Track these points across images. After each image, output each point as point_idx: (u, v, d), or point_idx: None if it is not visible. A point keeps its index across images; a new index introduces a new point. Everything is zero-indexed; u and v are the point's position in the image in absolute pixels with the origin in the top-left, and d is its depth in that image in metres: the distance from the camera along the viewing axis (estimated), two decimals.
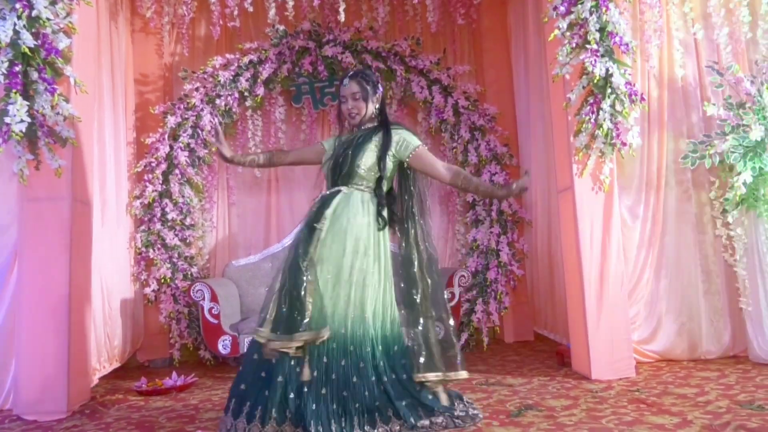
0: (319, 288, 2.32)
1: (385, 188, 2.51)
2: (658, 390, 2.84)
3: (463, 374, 2.49)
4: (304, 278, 2.30)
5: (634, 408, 2.54)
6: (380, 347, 2.35)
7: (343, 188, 2.47)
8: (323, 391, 2.23)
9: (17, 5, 2.73)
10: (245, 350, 2.58)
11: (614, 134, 3.12)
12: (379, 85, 2.58)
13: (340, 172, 2.48)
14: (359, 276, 2.36)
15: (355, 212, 2.41)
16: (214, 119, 4.31)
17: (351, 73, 2.56)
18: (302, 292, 2.28)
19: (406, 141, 2.49)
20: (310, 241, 2.37)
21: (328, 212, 2.40)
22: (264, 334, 2.29)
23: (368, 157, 2.46)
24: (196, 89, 4.35)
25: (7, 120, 2.70)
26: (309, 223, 2.43)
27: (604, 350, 3.16)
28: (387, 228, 2.49)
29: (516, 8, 4.70)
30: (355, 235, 2.38)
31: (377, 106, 2.55)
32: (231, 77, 4.35)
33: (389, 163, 2.49)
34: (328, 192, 2.51)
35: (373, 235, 2.43)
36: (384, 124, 2.54)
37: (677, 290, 3.52)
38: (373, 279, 2.39)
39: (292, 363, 2.25)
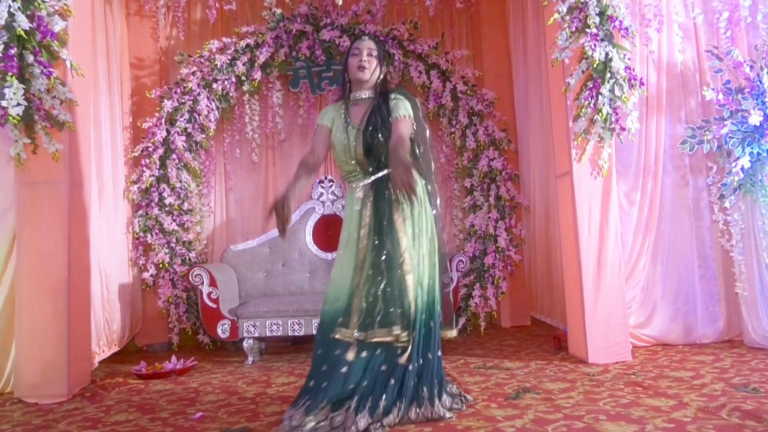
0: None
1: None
2: (654, 373, 2.87)
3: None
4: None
5: (630, 391, 2.57)
6: None
7: (387, 171, 2.37)
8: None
9: None
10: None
11: (613, 119, 3.12)
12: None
13: (378, 157, 2.39)
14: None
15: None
16: (211, 103, 4.28)
17: (364, 33, 2.52)
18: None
19: (396, 107, 2.41)
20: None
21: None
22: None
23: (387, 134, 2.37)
24: (193, 73, 4.32)
25: (4, 104, 2.69)
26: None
27: (601, 334, 3.19)
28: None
29: None
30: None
31: (381, 77, 2.49)
32: (228, 61, 4.32)
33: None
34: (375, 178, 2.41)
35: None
36: (383, 93, 2.46)
37: (673, 275, 3.54)
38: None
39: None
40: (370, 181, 2.42)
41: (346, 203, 2.53)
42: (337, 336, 2.27)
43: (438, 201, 2.59)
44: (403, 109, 2.41)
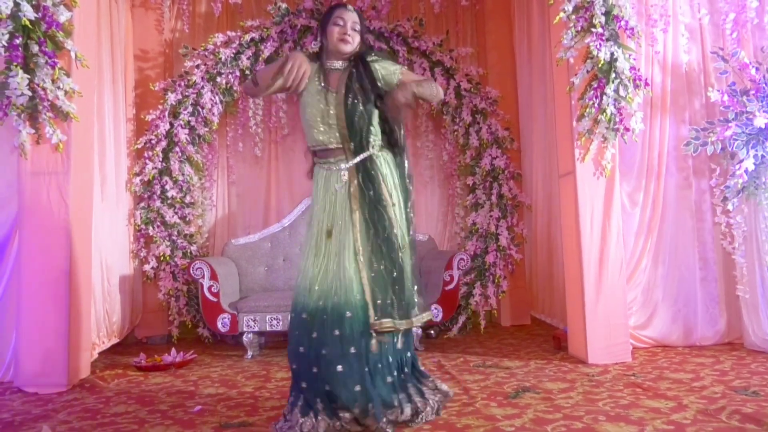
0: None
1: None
2: (654, 375, 2.87)
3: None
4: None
5: (630, 392, 2.57)
6: None
7: (373, 151, 2.29)
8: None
9: None
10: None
11: (617, 119, 3.11)
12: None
13: (362, 132, 2.25)
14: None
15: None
16: (215, 96, 4.28)
17: (349, 6, 2.40)
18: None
19: (387, 69, 2.31)
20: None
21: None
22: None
23: (371, 113, 2.26)
24: (197, 66, 4.31)
25: (8, 93, 2.69)
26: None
27: (601, 335, 3.18)
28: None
29: None
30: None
31: (359, 42, 2.37)
32: (232, 55, 4.31)
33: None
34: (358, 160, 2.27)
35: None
36: (361, 58, 2.32)
37: (674, 277, 3.54)
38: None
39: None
40: (353, 163, 2.26)
41: (321, 182, 2.31)
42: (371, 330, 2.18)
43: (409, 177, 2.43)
44: (390, 64, 2.35)
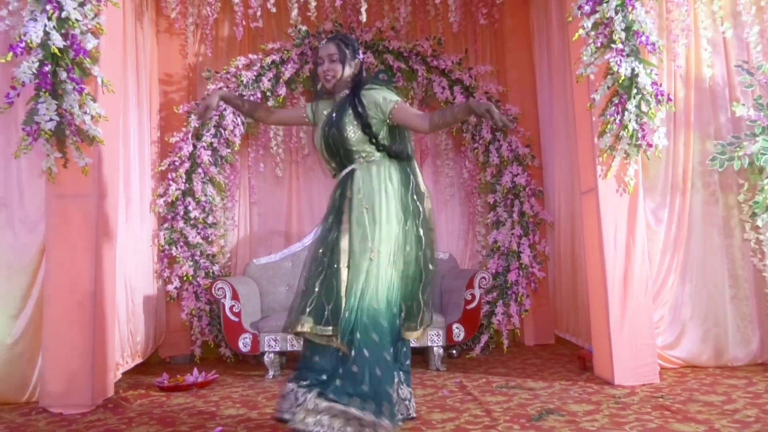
0: None
1: (388, 142, 2.47)
2: (683, 397, 2.78)
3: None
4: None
5: (658, 415, 2.49)
6: None
7: (355, 166, 2.43)
8: None
9: (48, 7, 2.79)
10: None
11: (640, 135, 3.07)
12: (359, 53, 2.51)
13: (340, 153, 2.44)
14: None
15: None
16: (237, 118, 4.35)
17: (330, 36, 2.53)
18: None
19: (385, 98, 2.40)
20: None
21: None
22: None
23: (352, 131, 2.40)
24: (219, 89, 4.38)
25: (37, 119, 2.76)
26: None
27: (628, 355, 3.11)
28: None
29: (539, 8, 4.66)
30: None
31: (354, 71, 2.47)
32: (253, 77, 4.38)
33: (376, 126, 2.42)
34: (342, 174, 2.46)
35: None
36: (354, 89, 2.45)
37: (703, 295, 3.45)
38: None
39: None
40: (339, 177, 2.47)
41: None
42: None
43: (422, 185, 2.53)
44: (388, 94, 2.43)
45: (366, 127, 2.38)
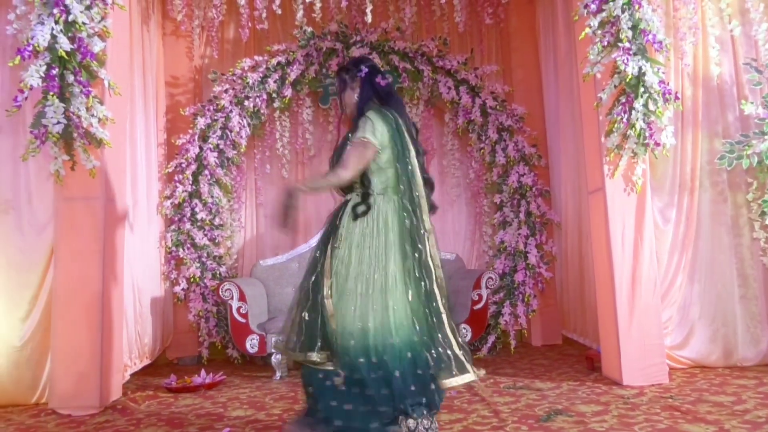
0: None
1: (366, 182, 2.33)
2: (693, 397, 2.76)
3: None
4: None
5: (667, 415, 2.48)
6: None
7: (348, 197, 2.36)
8: None
9: (55, 10, 2.81)
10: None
11: (647, 134, 3.05)
12: (361, 68, 2.39)
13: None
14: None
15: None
16: (243, 119, 4.36)
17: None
18: None
19: (358, 128, 2.29)
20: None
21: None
22: None
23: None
24: (225, 91, 4.41)
25: (45, 122, 2.78)
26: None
27: (636, 355, 3.09)
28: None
29: (545, 7, 4.64)
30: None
31: (359, 90, 2.37)
32: (259, 79, 4.39)
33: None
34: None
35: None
36: (359, 114, 2.35)
37: (711, 295, 3.43)
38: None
39: None
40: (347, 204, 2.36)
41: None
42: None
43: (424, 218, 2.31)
44: (361, 130, 2.27)
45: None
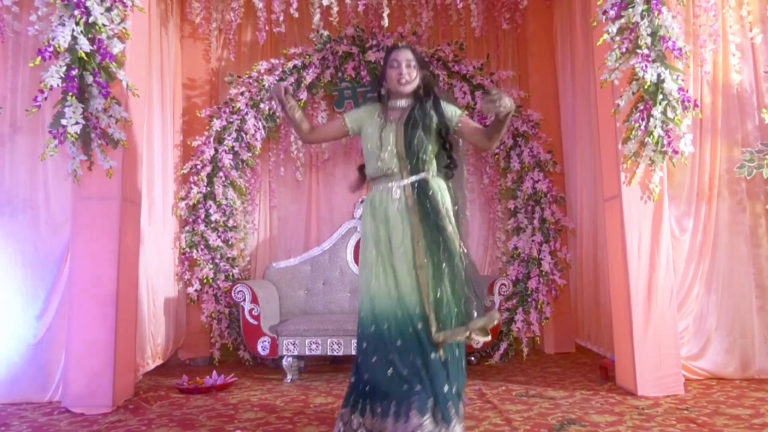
0: None
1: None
2: (709, 409, 2.72)
3: None
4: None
5: (683, 427, 2.44)
6: None
7: (427, 176, 2.37)
8: None
9: (75, 12, 2.84)
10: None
11: (665, 142, 3.02)
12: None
13: (416, 153, 2.34)
14: None
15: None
16: (258, 122, 4.39)
17: (402, 44, 2.52)
18: None
19: (450, 111, 2.43)
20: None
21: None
22: None
23: (427, 141, 2.35)
24: (242, 93, 4.43)
25: (64, 122, 2.81)
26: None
27: (651, 365, 3.05)
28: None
29: (563, 13, 4.62)
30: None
31: (420, 82, 2.44)
32: (275, 81, 4.41)
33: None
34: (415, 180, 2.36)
35: None
36: (431, 95, 2.44)
37: (729, 305, 3.37)
38: None
39: None
40: (409, 182, 2.34)
41: (374, 202, 2.39)
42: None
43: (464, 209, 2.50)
44: (454, 109, 2.45)
45: (445, 131, 2.38)
